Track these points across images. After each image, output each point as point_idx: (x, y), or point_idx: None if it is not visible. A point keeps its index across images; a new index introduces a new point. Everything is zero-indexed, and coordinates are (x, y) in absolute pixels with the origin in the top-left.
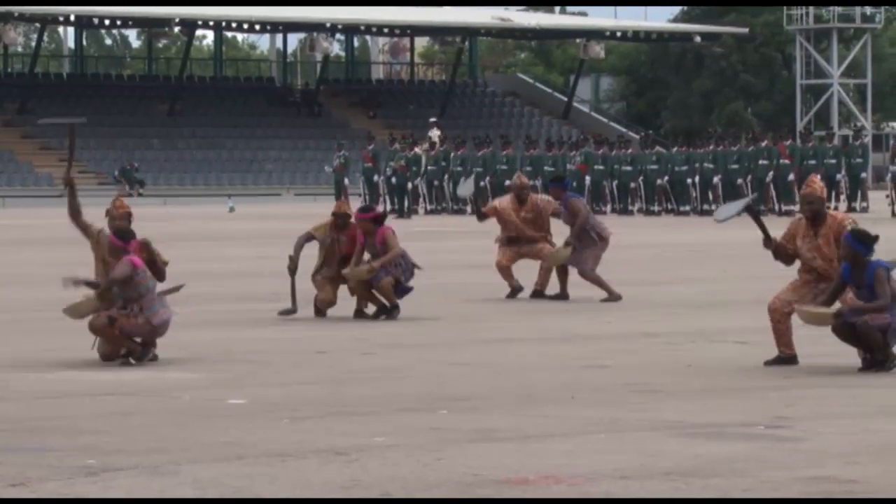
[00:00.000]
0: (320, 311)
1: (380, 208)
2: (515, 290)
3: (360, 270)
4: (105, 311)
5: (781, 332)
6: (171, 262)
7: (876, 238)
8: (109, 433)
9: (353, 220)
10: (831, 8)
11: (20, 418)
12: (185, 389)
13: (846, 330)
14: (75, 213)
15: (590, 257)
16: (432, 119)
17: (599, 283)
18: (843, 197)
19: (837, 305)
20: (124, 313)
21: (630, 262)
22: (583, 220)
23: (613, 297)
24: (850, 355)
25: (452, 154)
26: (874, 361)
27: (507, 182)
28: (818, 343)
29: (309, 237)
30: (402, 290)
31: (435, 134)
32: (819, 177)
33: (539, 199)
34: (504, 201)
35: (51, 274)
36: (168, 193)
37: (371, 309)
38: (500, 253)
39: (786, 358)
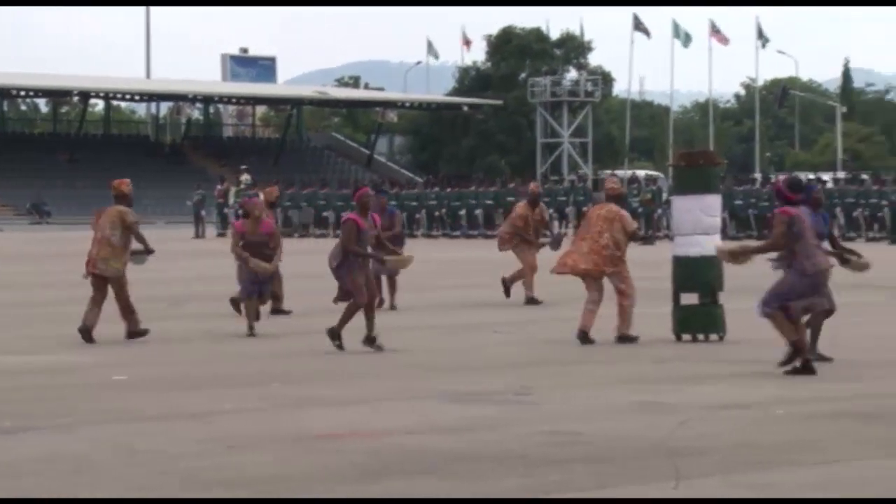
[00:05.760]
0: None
1: (228, 233)
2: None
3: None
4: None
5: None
6: (70, 273)
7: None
8: (23, 403)
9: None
10: (563, 86)
11: None
12: (82, 369)
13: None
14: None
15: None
16: (243, 166)
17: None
18: (570, 224)
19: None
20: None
21: (417, 274)
22: (399, 230)
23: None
24: (599, 334)
25: (285, 192)
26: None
27: (325, 213)
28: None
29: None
30: None
31: (245, 178)
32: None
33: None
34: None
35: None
36: (69, 222)
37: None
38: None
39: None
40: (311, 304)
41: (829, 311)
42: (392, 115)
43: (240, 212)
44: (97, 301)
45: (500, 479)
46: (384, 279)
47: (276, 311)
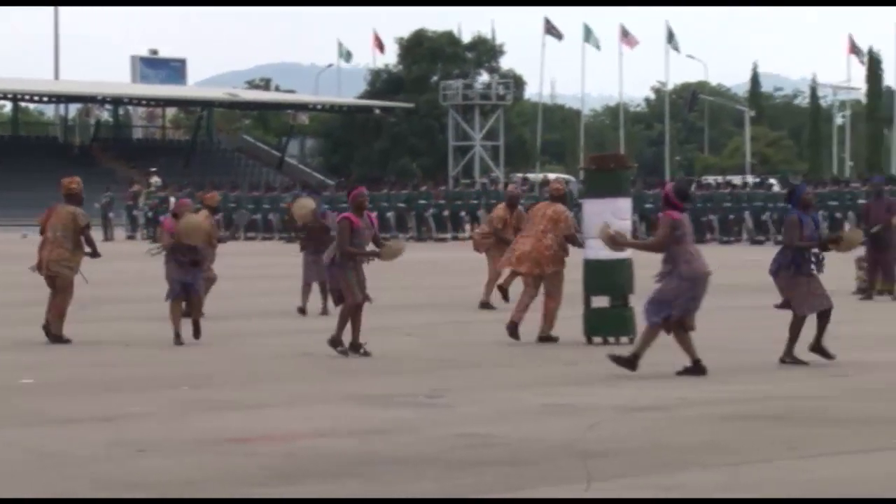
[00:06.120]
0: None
1: (138, 236)
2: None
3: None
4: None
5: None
6: None
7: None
8: None
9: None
10: (475, 88)
11: None
12: None
13: None
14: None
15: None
16: (153, 169)
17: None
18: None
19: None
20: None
21: None
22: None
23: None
24: (501, 337)
25: (197, 195)
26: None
27: (234, 216)
28: (486, 332)
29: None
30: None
31: (155, 180)
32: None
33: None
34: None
35: None
36: None
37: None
38: None
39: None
40: (223, 307)
41: (829, 310)
42: (303, 118)
43: (149, 214)
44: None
45: (414, 482)
46: (315, 284)
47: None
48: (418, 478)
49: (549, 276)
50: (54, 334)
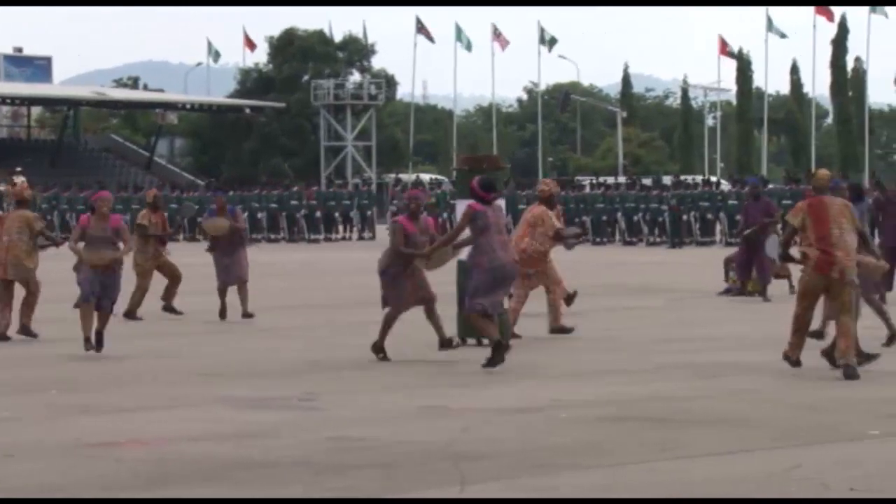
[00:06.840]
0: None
1: None
2: None
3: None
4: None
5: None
6: None
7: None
8: None
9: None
10: (347, 88)
11: None
12: None
13: None
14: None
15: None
16: (18, 169)
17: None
18: (355, 228)
19: None
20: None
21: (208, 278)
22: (243, 225)
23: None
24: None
25: (63, 195)
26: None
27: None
28: (357, 334)
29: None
30: None
31: (20, 180)
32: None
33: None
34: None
35: None
36: None
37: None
38: None
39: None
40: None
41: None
42: (172, 117)
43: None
44: (7, 303)
45: (285, 486)
46: (232, 288)
47: (168, 308)
48: (288, 481)
49: (536, 276)
50: (25, 326)
